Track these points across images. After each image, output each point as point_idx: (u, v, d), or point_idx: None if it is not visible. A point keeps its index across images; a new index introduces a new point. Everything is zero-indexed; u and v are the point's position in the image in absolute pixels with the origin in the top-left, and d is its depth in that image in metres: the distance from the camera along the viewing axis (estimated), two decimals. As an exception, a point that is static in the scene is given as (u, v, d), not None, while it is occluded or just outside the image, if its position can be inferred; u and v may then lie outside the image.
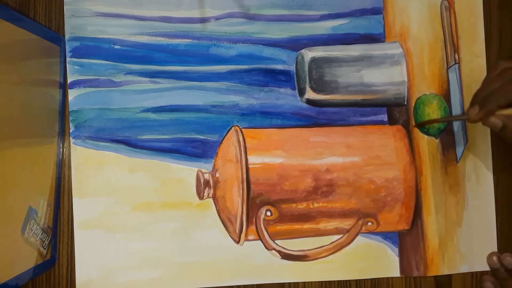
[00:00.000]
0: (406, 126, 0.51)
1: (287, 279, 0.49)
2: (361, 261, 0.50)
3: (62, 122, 0.49)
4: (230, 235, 0.49)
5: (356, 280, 0.50)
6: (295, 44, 0.50)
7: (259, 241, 0.49)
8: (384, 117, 0.51)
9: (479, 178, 0.51)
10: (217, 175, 0.48)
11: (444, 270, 0.50)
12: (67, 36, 0.49)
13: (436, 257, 0.50)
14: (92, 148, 0.48)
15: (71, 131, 0.48)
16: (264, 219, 0.48)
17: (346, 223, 0.50)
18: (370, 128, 0.51)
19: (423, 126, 0.51)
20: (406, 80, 0.50)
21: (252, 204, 0.48)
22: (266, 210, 0.48)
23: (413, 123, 0.51)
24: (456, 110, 0.51)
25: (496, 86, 0.43)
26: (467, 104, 0.51)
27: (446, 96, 0.51)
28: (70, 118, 0.48)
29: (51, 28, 0.49)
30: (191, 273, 0.48)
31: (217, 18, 0.50)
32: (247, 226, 0.48)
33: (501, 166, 0.52)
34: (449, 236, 0.50)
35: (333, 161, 0.49)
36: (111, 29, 0.49)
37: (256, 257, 0.49)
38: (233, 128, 0.49)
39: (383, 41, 0.51)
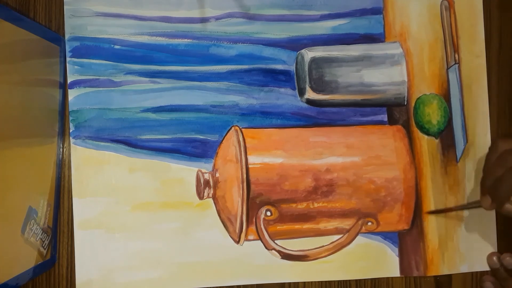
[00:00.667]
0: (406, 126, 0.51)
1: (287, 279, 0.49)
2: (361, 261, 0.50)
3: (62, 122, 0.49)
4: (230, 235, 0.49)
5: (356, 280, 0.50)
6: (295, 44, 0.50)
7: (259, 241, 0.49)
8: (384, 117, 0.51)
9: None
10: (217, 175, 0.48)
11: (444, 270, 0.50)
12: (67, 36, 0.49)
13: (436, 257, 0.50)
14: (92, 148, 0.48)
15: (71, 131, 0.48)
16: (264, 219, 0.48)
17: (346, 223, 0.50)
18: (370, 128, 0.51)
19: (422, 126, 0.51)
20: (406, 80, 0.50)
21: (252, 204, 0.48)
22: (266, 210, 0.48)
23: (413, 123, 0.51)
24: (456, 110, 0.51)
25: (499, 173, 0.43)
26: (467, 104, 0.51)
27: (446, 96, 0.51)
28: (70, 118, 0.48)
29: (51, 28, 0.49)
30: (191, 273, 0.48)
31: (217, 18, 0.50)
32: (247, 226, 0.48)
33: (501, 166, 0.52)
34: (449, 236, 0.50)
35: (333, 161, 0.49)
36: (111, 29, 0.49)
37: (256, 257, 0.49)
38: (233, 128, 0.49)
39: (383, 41, 0.51)
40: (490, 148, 0.47)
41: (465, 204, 0.51)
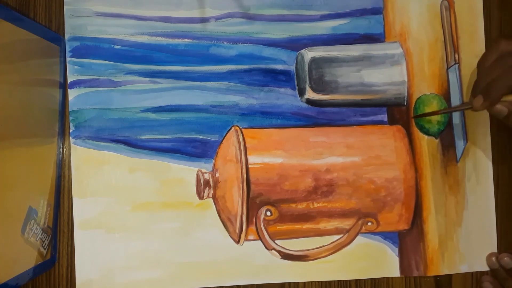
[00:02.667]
0: (406, 126, 0.51)
1: (287, 279, 0.49)
2: (361, 261, 0.50)
3: (62, 122, 0.49)
4: (230, 235, 0.49)
5: (356, 280, 0.50)
6: (295, 44, 0.50)
7: (259, 241, 0.49)
8: (384, 117, 0.51)
9: (479, 178, 0.51)
10: (217, 175, 0.48)
11: (444, 270, 0.50)
12: (67, 36, 0.49)
13: (436, 257, 0.50)
14: (92, 148, 0.48)
15: (71, 131, 0.48)
16: (264, 219, 0.48)
17: (346, 223, 0.50)
18: (370, 128, 0.51)
19: (422, 126, 0.51)
20: (406, 80, 0.50)
21: (252, 204, 0.48)
22: (266, 210, 0.48)
23: (413, 123, 0.51)
24: (456, 110, 0.51)
25: (496, 73, 0.42)
26: (467, 104, 0.51)
27: (446, 96, 0.51)
28: (70, 118, 0.48)
29: (51, 28, 0.49)
30: (191, 273, 0.48)
31: (217, 18, 0.50)
32: (247, 226, 0.48)
33: (501, 166, 0.52)
34: (449, 236, 0.50)
35: (333, 161, 0.49)
36: (111, 29, 0.49)
37: (256, 257, 0.49)
38: (233, 128, 0.49)
39: (383, 41, 0.51)
40: (489, 48, 0.45)
41: (455, 106, 0.50)
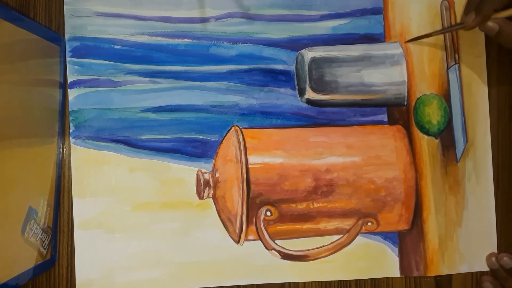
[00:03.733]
0: (406, 126, 0.51)
1: (287, 279, 0.49)
2: (361, 261, 0.50)
3: (62, 122, 0.49)
4: (230, 235, 0.49)
5: (356, 280, 0.50)
6: (295, 44, 0.50)
7: (259, 241, 0.49)
8: (384, 117, 0.51)
9: (479, 178, 0.51)
10: (217, 175, 0.48)
11: (444, 270, 0.50)
12: (67, 36, 0.49)
13: (436, 257, 0.50)
14: (92, 148, 0.48)
15: (71, 131, 0.48)
16: (264, 219, 0.48)
17: (346, 223, 0.50)
18: (370, 128, 0.51)
19: (422, 126, 0.51)
20: (406, 80, 0.50)
21: (252, 204, 0.48)
22: (266, 210, 0.48)
23: (413, 123, 0.51)
24: (456, 110, 0.51)
25: None
26: (467, 104, 0.51)
27: (446, 96, 0.51)
28: (70, 118, 0.48)
29: (51, 28, 0.49)
30: (191, 273, 0.48)
31: (217, 18, 0.50)
32: (247, 226, 0.48)
33: (501, 166, 0.52)
34: (449, 236, 0.50)
35: (333, 161, 0.49)
36: (111, 29, 0.49)
37: (256, 257, 0.49)
38: (233, 128, 0.49)
39: (383, 41, 0.51)
40: None
41: (447, 27, 0.50)
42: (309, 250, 0.49)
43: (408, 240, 0.50)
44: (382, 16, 0.51)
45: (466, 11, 0.45)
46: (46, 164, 0.47)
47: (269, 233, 0.49)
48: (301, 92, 0.50)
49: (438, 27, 0.51)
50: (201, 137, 0.49)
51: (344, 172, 0.49)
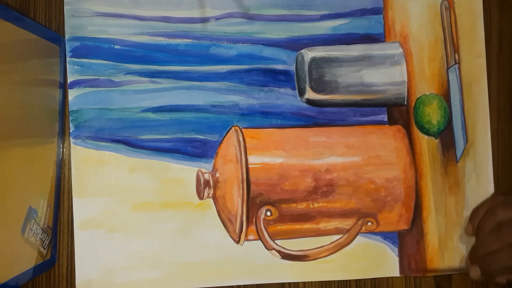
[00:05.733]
0: (406, 126, 0.51)
1: (287, 279, 0.49)
2: (361, 261, 0.50)
3: (62, 122, 0.49)
4: (230, 235, 0.49)
5: (356, 280, 0.50)
6: (295, 44, 0.50)
7: (259, 241, 0.49)
8: (384, 117, 0.51)
9: (479, 178, 0.51)
10: (217, 175, 0.48)
11: (444, 270, 0.50)
12: (67, 36, 0.49)
13: (436, 257, 0.50)
14: (92, 148, 0.48)
15: (71, 131, 0.48)
16: (264, 219, 0.48)
17: (346, 223, 0.50)
18: (370, 128, 0.51)
19: (422, 126, 0.51)
20: (406, 80, 0.50)
21: (252, 204, 0.48)
22: (266, 210, 0.48)
23: (413, 123, 0.51)
24: (456, 110, 0.51)
25: (494, 247, 0.43)
26: (467, 104, 0.51)
27: (446, 96, 0.51)
28: (70, 118, 0.48)
29: (51, 28, 0.49)
30: (191, 273, 0.48)
31: (217, 18, 0.50)
32: (247, 226, 0.48)
33: (501, 166, 0.52)
34: (449, 236, 0.50)
35: (333, 161, 0.49)
36: (111, 29, 0.49)
37: (256, 257, 0.49)
38: (233, 128, 0.49)
39: (383, 41, 0.51)
40: (487, 213, 0.46)
41: (453, 268, 0.50)
42: (309, 250, 0.49)
43: (408, 240, 0.50)
44: (382, 16, 0.51)
45: (471, 259, 0.47)
46: (46, 164, 0.47)
47: (269, 233, 0.49)
48: (301, 92, 0.50)
49: (438, 27, 0.51)
50: (201, 137, 0.49)
51: (344, 172, 0.49)
